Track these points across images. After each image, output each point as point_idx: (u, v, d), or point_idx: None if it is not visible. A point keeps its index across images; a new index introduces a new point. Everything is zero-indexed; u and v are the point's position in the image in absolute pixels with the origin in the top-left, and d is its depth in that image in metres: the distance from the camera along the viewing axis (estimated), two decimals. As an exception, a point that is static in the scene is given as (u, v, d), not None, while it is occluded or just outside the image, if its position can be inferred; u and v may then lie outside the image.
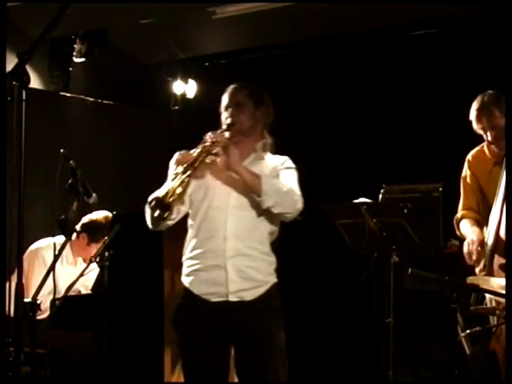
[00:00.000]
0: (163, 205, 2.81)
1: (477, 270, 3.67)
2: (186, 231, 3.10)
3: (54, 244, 3.41)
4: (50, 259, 4.23)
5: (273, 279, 3.05)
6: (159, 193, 2.83)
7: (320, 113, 6.14)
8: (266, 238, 3.04)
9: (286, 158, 3.16)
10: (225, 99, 3.14)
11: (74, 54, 6.04)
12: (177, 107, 6.77)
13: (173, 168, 2.95)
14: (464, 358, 3.60)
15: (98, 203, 3.44)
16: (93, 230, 4.61)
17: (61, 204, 3.29)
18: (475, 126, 3.72)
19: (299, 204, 3.00)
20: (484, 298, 3.53)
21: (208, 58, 6.67)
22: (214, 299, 2.93)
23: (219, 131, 3.03)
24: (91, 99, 6.26)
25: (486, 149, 3.80)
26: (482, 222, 3.77)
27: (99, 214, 4.66)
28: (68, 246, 4.59)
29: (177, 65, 6.68)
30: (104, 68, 6.30)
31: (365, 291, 4.36)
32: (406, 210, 3.83)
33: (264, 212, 2.99)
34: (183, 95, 6.73)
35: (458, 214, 3.88)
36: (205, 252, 2.97)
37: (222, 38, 6.28)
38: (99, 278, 4.07)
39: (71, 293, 3.82)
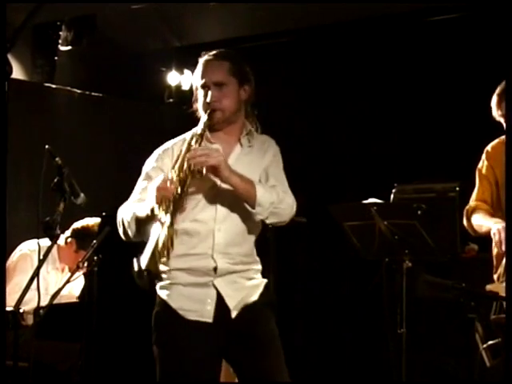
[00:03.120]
0: (155, 274, 2.79)
1: (495, 276, 3.68)
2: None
3: (39, 244, 3.42)
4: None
5: (264, 280, 3.00)
6: (145, 261, 2.76)
7: (326, 106, 6.14)
8: (253, 248, 2.99)
9: (269, 142, 3.03)
10: (200, 74, 2.97)
11: (60, 41, 6.05)
12: (171, 100, 6.77)
13: (152, 201, 2.77)
14: (483, 372, 3.60)
15: (86, 204, 3.44)
16: (82, 237, 4.61)
17: (46, 205, 3.30)
18: (494, 112, 3.73)
19: (293, 209, 2.93)
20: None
21: (205, 46, 6.64)
22: (193, 317, 2.86)
23: (199, 129, 2.87)
24: (78, 91, 6.26)
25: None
26: (494, 216, 3.75)
27: (91, 221, 4.66)
28: (55, 251, 4.60)
29: (171, 54, 6.69)
30: (92, 57, 6.31)
31: (375, 299, 4.37)
32: (419, 212, 3.83)
33: (253, 223, 2.93)
34: (178, 87, 6.73)
35: (471, 204, 3.86)
36: (186, 269, 2.88)
37: (221, 24, 6.28)
38: (87, 284, 4.07)
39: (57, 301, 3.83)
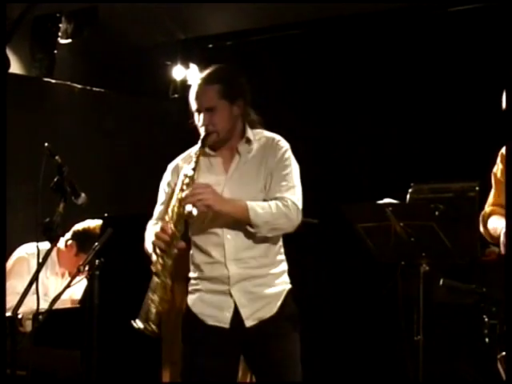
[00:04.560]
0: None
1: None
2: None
3: (38, 248, 3.41)
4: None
5: (286, 287, 3.18)
6: (143, 321, 3.11)
7: (338, 102, 6.12)
8: (269, 250, 3.13)
9: (276, 142, 3.13)
10: (193, 100, 3.10)
11: (60, 34, 6.05)
12: (176, 95, 6.77)
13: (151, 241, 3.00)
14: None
15: (87, 204, 3.44)
16: (83, 239, 4.61)
17: (45, 205, 3.30)
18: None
19: (295, 221, 3.06)
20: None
21: (212, 39, 6.68)
22: (211, 322, 3.11)
23: (197, 151, 3.02)
24: (79, 86, 6.27)
25: None
26: None
27: (93, 223, 4.66)
28: (55, 254, 4.60)
29: (177, 47, 6.69)
30: (93, 51, 6.31)
31: (390, 305, 4.35)
32: (437, 213, 3.82)
33: None
34: (184, 81, 6.73)
35: (487, 210, 3.85)
36: (206, 278, 3.14)
37: (228, 16, 6.28)
38: (88, 289, 4.07)
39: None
